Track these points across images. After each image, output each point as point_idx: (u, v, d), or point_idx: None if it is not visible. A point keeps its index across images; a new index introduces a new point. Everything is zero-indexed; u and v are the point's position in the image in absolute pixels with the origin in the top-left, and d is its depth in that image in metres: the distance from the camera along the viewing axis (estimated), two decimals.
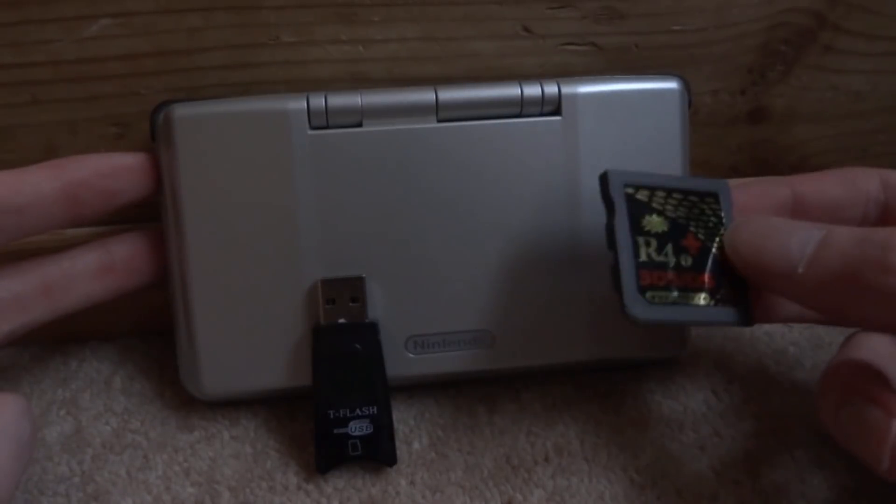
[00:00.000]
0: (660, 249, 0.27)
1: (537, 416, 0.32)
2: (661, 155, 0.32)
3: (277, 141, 0.30)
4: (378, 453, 0.30)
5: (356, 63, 0.33)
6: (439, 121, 0.30)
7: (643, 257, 0.26)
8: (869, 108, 0.37)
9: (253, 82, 0.32)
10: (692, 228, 0.27)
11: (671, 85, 0.32)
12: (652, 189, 0.27)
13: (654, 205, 0.27)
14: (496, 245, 0.31)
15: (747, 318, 0.27)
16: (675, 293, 0.26)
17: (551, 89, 0.30)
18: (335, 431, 0.30)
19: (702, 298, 0.27)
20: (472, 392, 0.34)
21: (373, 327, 0.31)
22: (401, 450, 0.31)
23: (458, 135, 0.30)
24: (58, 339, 0.36)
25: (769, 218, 0.26)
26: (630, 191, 0.27)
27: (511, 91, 0.30)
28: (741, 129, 0.37)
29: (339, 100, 0.30)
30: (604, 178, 0.27)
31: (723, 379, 0.34)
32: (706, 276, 0.27)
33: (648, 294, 0.26)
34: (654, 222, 0.27)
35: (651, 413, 0.33)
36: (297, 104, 0.29)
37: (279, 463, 0.31)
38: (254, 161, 0.30)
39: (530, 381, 0.34)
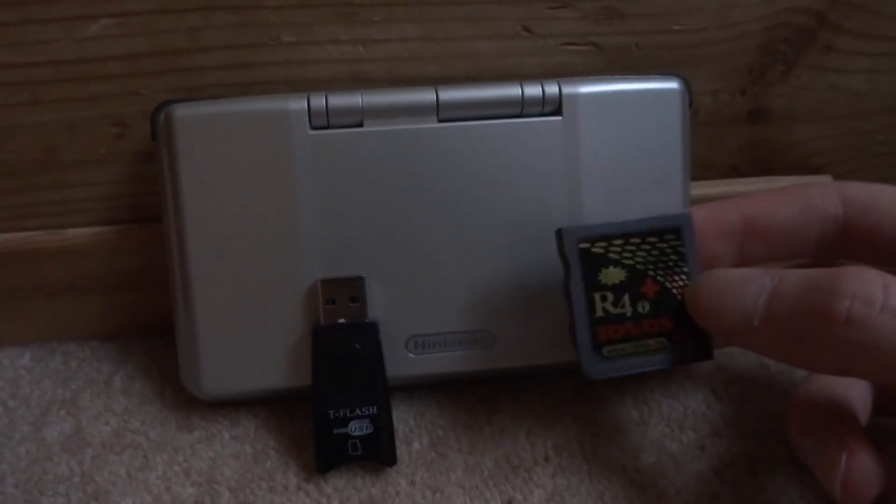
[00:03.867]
0: (616, 301, 0.27)
1: (537, 416, 0.32)
2: (662, 155, 0.32)
3: (278, 141, 0.30)
4: (378, 453, 0.30)
5: (356, 63, 0.33)
6: (440, 121, 0.30)
7: (599, 313, 0.27)
8: (869, 108, 0.37)
9: (253, 82, 0.32)
10: (651, 272, 0.27)
11: (672, 85, 0.32)
12: (608, 239, 0.27)
13: (612, 255, 0.27)
14: (496, 245, 0.31)
15: (707, 351, 0.27)
16: (633, 343, 0.27)
17: (552, 89, 0.30)
18: (335, 431, 0.30)
19: (660, 343, 0.27)
20: (472, 392, 0.34)
21: (373, 327, 0.31)
22: (401, 450, 0.31)
23: (459, 135, 0.30)
24: (58, 339, 0.36)
25: (726, 272, 0.26)
26: (585, 245, 0.27)
27: (512, 91, 0.30)
28: (741, 129, 0.37)
29: (340, 100, 0.30)
30: (558, 235, 0.28)
31: (723, 379, 0.34)
32: (664, 320, 0.27)
33: (606, 349, 0.27)
34: (611, 274, 0.27)
35: (651, 413, 0.33)
36: (298, 104, 0.29)
37: (279, 463, 0.31)
38: (254, 161, 0.30)
39: (530, 381, 0.34)
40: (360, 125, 0.30)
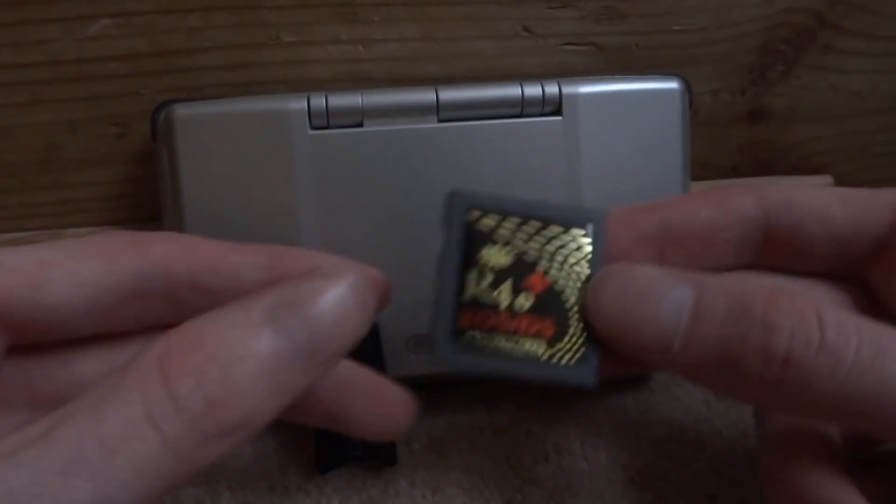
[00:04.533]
0: (494, 286, 0.23)
1: (537, 416, 0.32)
2: (662, 155, 0.32)
3: (278, 141, 0.30)
4: (378, 453, 0.30)
5: (356, 63, 0.33)
6: (440, 121, 0.30)
7: (468, 294, 0.23)
8: (869, 108, 0.37)
9: (253, 82, 0.32)
10: (542, 265, 0.23)
11: (672, 85, 0.32)
12: (503, 215, 0.23)
13: (500, 234, 0.23)
14: None
15: (590, 376, 0.23)
16: (502, 339, 0.23)
17: (552, 89, 0.30)
18: (336, 432, 0.30)
19: (534, 348, 0.23)
20: (472, 392, 0.34)
21: (373, 327, 0.31)
22: (401, 450, 0.31)
23: (459, 135, 0.30)
24: None
25: (639, 269, 0.22)
26: (475, 215, 0.23)
27: (512, 91, 0.30)
28: (741, 129, 0.37)
29: (340, 100, 0.30)
30: (447, 199, 0.24)
31: None
32: (547, 323, 0.23)
33: (467, 335, 0.23)
34: (495, 254, 0.23)
35: (651, 413, 0.33)
36: (298, 104, 0.29)
37: (279, 463, 0.31)
38: (254, 161, 0.30)
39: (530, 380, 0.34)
40: (360, 125, 0.30)
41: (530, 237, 0.23)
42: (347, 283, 0.20)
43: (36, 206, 0.34)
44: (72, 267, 0.20)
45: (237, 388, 0.17)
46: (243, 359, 0.18)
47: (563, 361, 0.22)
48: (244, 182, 0.30)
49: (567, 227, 0.23)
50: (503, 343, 0.22)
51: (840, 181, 0.38)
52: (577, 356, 0.22)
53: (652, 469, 0.30)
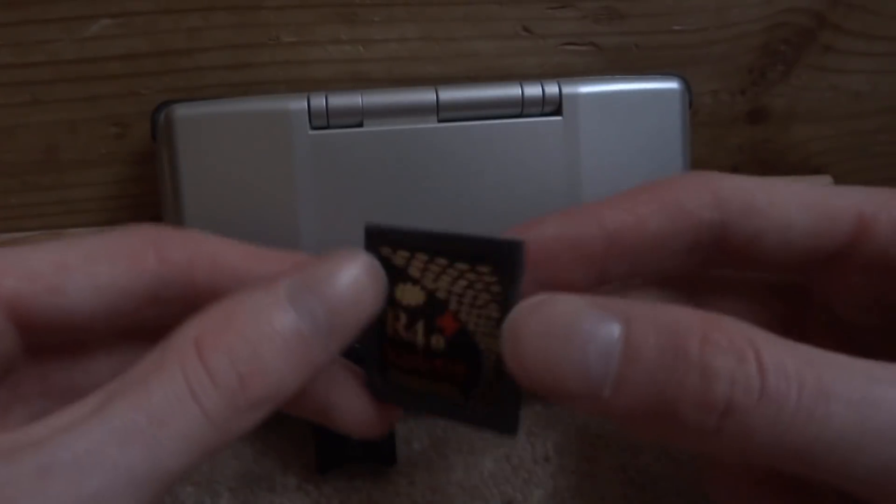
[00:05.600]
0: (409, 326, 0.21)
1: (537, 416, 0.32)
2: (662, 155, 0.32)
3: (278, 141, 0.30)
4: (378, 453, 0.30)
5: (356, 63, 0.33)
6: (440, 121, 0.30)
7: (388, 331, 0.22)
8: (869, 108, 0.37)
9: (253, 82, 0.32)
10: (452, 306, 0.21)
11: (672, 85, 0.32)
12: (412, 251, 0.21)
13: (412, 271, 0.21)
14: None
15: (509, 424, 0.20)
16: (420, 379, 0.21)
17: (552, 89, 0.30)
18: (335, 432, 0.30)
19: (449, 391, 0.21)
20: None
21: None
22: (401, 450, 0.31)
23: (459, 135, 0.30)
24: None
25: (553, 307, 0.19)
26: (386, 251, 0.21)
27: (512, 91, 0.30)
28: (741, 129, 0.37)
29: (340, 100, 0.30)
30: (365, 233, 0.22)
31: None
32: (459, 367, 0.21)
33: (391, 372, 0.22)
34: (409, 292, 0.21)
35: None
36: (298, 104, 0.29)
37: (279, 463, 0.31)
38: (254, 161, 0.30)
39: None
40: (360, 125, 0.30)
41: (438, 275, 0.21)
42: (361, 263, 0.21)
43: (36, 206, 0.34)
44: (91, 271, 0.20)
45: (265, 365, 0.19)
46: (270, 337, 0.19)
47: (481, 407, 0.21)
48: (244, 182, 0.30)
49: (472, 264, 0.20)
50: (420, 383, 0.22)
51: (840, 181, 0.38)
52: (495, 403, 0.20)
53: (652, 469, 0.30)
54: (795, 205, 0.21)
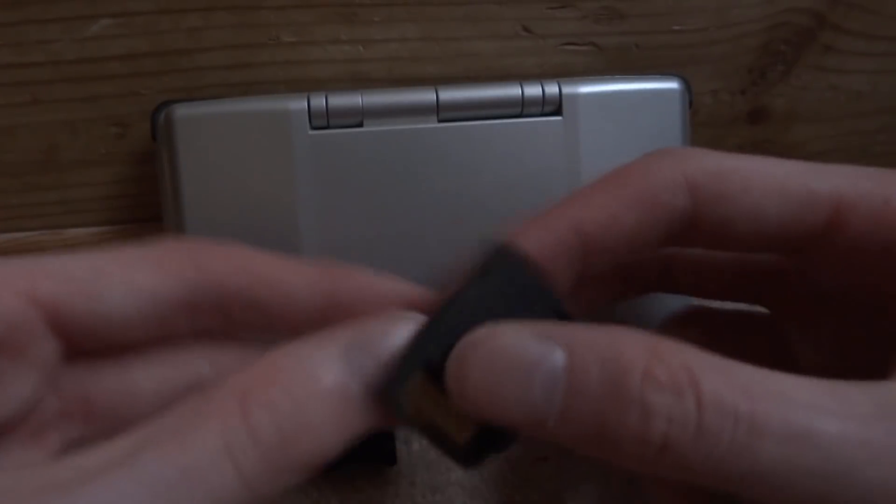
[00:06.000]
0: None
1: None
2: None
3: (278, 141, 0.30)
4: (378, 453, 0.30)
5: (356, 63, 0.33)
6: (440, 121, 0.30)
7: None
8: (869, 108, 0.37)
9: (253, 82, 0.32)
10: None
11: (672, 85, 0.32)
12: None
13: None
14: None
15: (467, 457, 0.20)
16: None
17: (552, 89, 0.30)
18: None
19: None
20: None
21: None
22: (401, 450, 0.31)
23: (459, 135, 0.30)
24: None
25: (496, 340, 0.19)
26: None
27: (512, 91, 0.30)
28: (741, 129, 0.37)
29: (340, 100, 0.30)
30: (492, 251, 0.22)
31: None
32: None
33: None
34: None
35: None
36: (298, 104, 0.29)
37: None
38: (254, 161, 0.30)
39: None
40: (360, 125, 0.30)
41: None
42: (412, 323, 0.20)
43: (36, 206, 0.34)
44: (129, 277, 0.20)
45: (310, 424, 0.18)
46: (318, 395, 0.18)
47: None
48: (244, 182, 0.30)
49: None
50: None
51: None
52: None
53: None
54: (771, 192, 0.21)
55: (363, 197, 0.30)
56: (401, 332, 0.20)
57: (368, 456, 0.30)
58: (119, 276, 0.20)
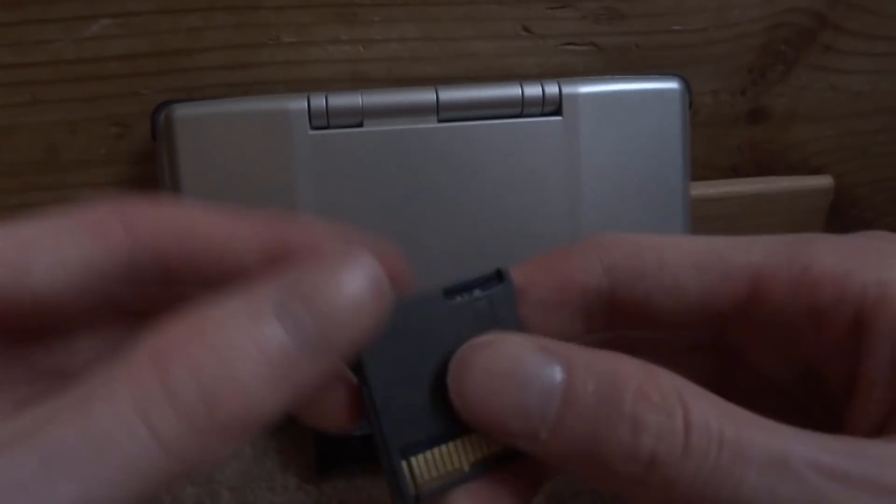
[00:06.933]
0: None
1: None
2: (662, 155, 0.32)
3: (278, 141, 0.30)
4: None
5: (356, 63, 0.33)
6: (440, 121, 0.30)
7: None
8: (869, 108, 0.37)
9: (253, 82, 0.32)
10: None
11: (672, 85, 0.32)
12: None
13: None
14: (497, 245, 0.31)
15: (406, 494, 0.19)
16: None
17: (552, 89, 0.30)
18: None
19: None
20: None
21: None
22: None
23: (459, 135, 0.30)
24: None
25: (500, 346, 0.19)
26: None
27: (512, 91, 0.30)
28: (741, 129, 0.37)
29: (340, 100, 0.30)
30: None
31: None
32: None
33: None
34: None
35: None
36: (298, 104, 0.29)
37: (279, 463, 0.31)
38: (254, 161, 0.30)
39: None
40: (360, 125, 0.30)
41: None
42: (364, 271, 0.18)
43: (36, 206, 0.33)
44: (56, 248, 0.19)
45: (239, 383, 0.16)
46: (248, 353, 0.16)
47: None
48: (244, 182, 0.30)
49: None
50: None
51: (840, 181, 0.38)
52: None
53: None
54: (687, 266, 0.21)
55: (363, 196, 0.30)
56: (348, 282, 0.18)
57: (368, 456, 0.30)
58: (46, 248, 0.19)
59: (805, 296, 0.20)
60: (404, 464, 0.19)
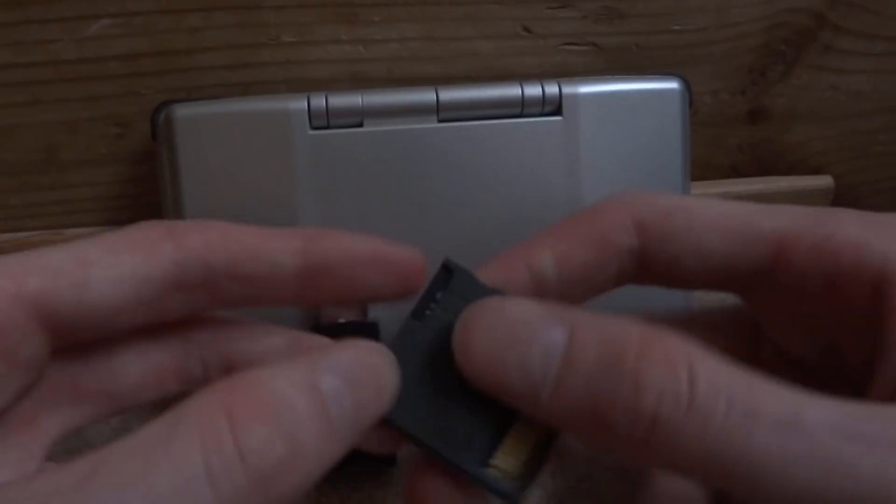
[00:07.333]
0: None
1: None
2: (662, 155, 0.32)
3: (278, 141, 0.30)
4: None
5: (356, 63, 0.33)
6: (440, 121, 0.30)
7: None
8: (869, 108, 0.37)
9: (253, 82, 0.32)
10: None
11: (671, 85, 0.32)
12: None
13: None
14: (497, 245, 0.31)
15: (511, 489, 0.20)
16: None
17: (552, 89, 0.30)
18: None
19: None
20: None
21: (373, 327, 0.31)
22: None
23: (459, 135, 0.30)
24: None
25: (504, 307, 0.20)
26: None
27: (512, 91, 0.30)
28: (741, 129, 0.37)
29: (340, 100, 0.30)
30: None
31: None
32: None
33: None
34: None
35: None
36: (298, 104, 0.29)
37: None
38: (255, 161, 0.30)
39: None
40: (360, 125, 0.30)
41: None
42: (378, 351, 0.20)
43: (36, 206, 0.34)
44: (112, 263, 0.20)
45: (303, 449, 0.17)
46: (304, 420, 0.17)
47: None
48: (244, 182, 0.30)
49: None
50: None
51: (840, 181, 0.38)
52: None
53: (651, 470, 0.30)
54: (715, 229, 0.22)
55: (363, 197, 0.30)
56: (370, 357, 0.19)
57: (368, 456, 0.30)
58: (103, 264, 0.20)
59: (826, 263, 0.21)
60: (490, 471, 0.20)
